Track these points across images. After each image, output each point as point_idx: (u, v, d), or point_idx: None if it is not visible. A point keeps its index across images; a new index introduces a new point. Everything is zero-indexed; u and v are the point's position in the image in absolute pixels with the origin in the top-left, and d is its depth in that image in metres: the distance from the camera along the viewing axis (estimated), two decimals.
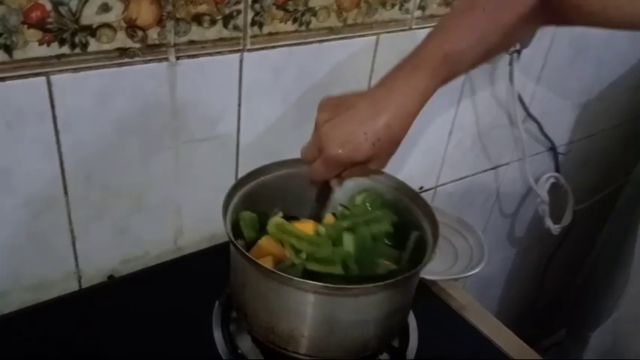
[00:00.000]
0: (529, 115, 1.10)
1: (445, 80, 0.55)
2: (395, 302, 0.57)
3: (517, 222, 1.37)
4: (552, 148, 1.25)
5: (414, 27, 0.82)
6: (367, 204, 0.65)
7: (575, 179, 1.34)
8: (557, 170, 1.31)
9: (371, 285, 0.53)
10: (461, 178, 1.11)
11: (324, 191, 0.63)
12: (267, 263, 0.58)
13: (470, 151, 1.08)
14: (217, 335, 0.65)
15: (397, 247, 0.65)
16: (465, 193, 1.15)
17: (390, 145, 0.55)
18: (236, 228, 0.61)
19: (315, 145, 0.56)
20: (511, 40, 0.59)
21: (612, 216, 1.63)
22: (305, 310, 0.54)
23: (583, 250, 1.62)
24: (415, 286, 0.61)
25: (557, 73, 1.11)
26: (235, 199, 0.61)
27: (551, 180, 1.29)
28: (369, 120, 0.54)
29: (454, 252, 0.91)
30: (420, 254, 0.62)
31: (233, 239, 0.55)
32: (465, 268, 0.88)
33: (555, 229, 1.34)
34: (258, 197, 0.64)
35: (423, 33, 0.82)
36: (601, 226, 1.64)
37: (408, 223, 0.65)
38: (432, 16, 0.83)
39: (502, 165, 1.18)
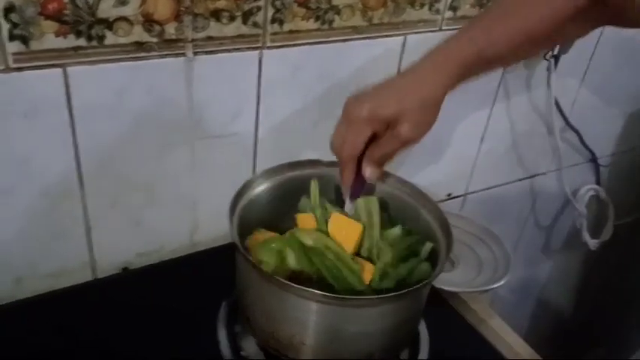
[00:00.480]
0: (568, 124, 1.05)
1: (478, 51, 0.54)
2: (401, 314, 0.55)
3: (553, 234, 1.32)
4: (593, 160, 1.19)
5: (444, 28, 0.79)
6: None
7: (617, 193, 1.28)
8: (597, 183, 1.25)
9: (375, 297, 0.51)
10: (493, 187, 1.07)
11: (356, 186, 0.60)
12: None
13: (503, 158, 1.04)
14: (222, 335, 0.64)
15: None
16: (497, 203, 1.11)
17: (418, 104, 0.52)
18: (244, 228, 0.59)
19: (340, 124, 0.56)
20: (557, 35, 0.56)
21: None
22: (306, 318, 0.52)
23: (623, 268, 1.54)
24: (424, 299, 0.58)
25: (601, 80, 1.05)
26: (244, 201, 0.60)
27: (591, 192, 1.23)
28: (392, 82, 0.55)
29: (478, 263, 0.87)
30: (433, 264, 0.60)
31: (238, 242, 0.54)
32: (488, 281, 0.85)
33: (593, 244, 1.27)
34: (271, 199, 0.63)
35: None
36: None
37: (422, 231, 0.62)
38: (463, 17, 0.79)
39: (538, 175, 1.13)
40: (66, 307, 0.67)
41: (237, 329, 0.65)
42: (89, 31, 0.57)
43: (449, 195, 1.01)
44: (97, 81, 0.60)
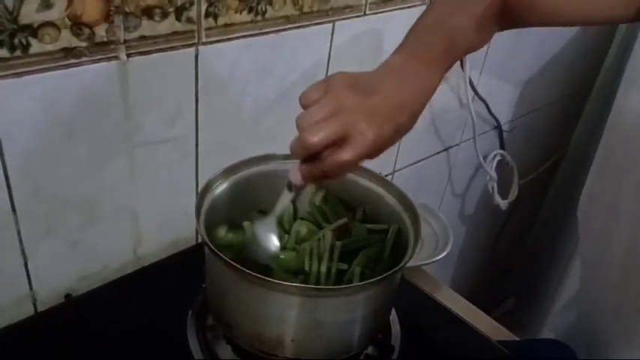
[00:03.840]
0: (477, 95, 1.12)
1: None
2: (380, 299, 0.56)
3: (467, 200, 1.40)
4: (497, 127, 1.28)
5: (368, 13, 0.80)
6: (324, 206, 0.64)
7: (518, 155, 1.38)
8: (502, 147, 1.34)
9: (362, 283, 0.51)
10: (416, 162, 1.12)
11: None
12: None
13: (424, 134, 1.08)
14: (194, 346, 0.61)
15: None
16: (420, 177, 1.15)
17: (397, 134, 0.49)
18: (209, 231, 0.57)
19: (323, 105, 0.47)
20: (476, 41, 0.55)
21: (552, 187, 1.71)
22: (294, 315, 0.51)
23: (529, 222, 1.68)
24: (398, 281, 0.59)
25: (502, 52, 1.12)
26: (207, 202, 0.58)
27: (498, 157, 1.32)
28: (381, 94, 0.48)
29: None
30: (399, 246, 0.61)
31: (211, 245, 0.51)
32: (431, 254, 0.89)
33: (504, 204, 1.37)
34: (231, 197, 0.61)
35: (376, 18, 0.82)
36: (544, 197, 1.70)
37: (384, 214, 0.63)
38: (385, 1, 0.81)
39: (453, 146, 1.20)
40: (9, 349, 0.61)
41: (208, 337, 0.63)
42: (11, 40, 0.51)
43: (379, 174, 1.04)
44: (24, 94, 0.54)
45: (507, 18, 0.56)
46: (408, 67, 0.50)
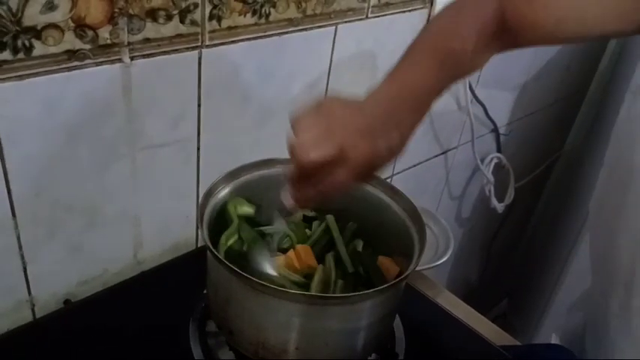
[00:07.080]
0: (475, 98, 1.12)
1: (449, 69, 0.52)
2: (386, 306, 0.56)
3: (464, 203, 1.40)
4: (494, 130, 1.28)
5: (370, 16, 0.80)
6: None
7: (515, 158, 1.39)
8: (498, 150, 1.34)
9: (367, 291, 0.51)
10: (414, 165, 1.12)
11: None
12: None
13: (423, 137, 1.08)
14: (197, 353, 0.60)
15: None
16: (418, 180, 1.15)
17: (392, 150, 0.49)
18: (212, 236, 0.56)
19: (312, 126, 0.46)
20: (472, 64, 0.54)
21: (546, 190, 1.71)
22: (299, 322, 0.51)
23: (524, 224, 1.68)
24: (403, 289, 0.59)
25: (501, 55, 1.12)
26: (209, 207, 0.57)
27: (495, 160, 1.33)
28: (369, 113, 0.48)
29: None
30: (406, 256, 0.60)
31: (215, 252, 0.51)
32: (432, 258, 0.88)
33: (500, 207, 1.38)
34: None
35: (379, 22, 0.82)
36: (537, 200, 1.71)
37: (388, 221, 0.63)
38: (387, 4, 0.81)
39: (451, 149, 1.20)
40: (7, 357, 0.60)
41: (210, 344, 0.62)
42: (15, 42, 0.50)
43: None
44: (26, 97, 0.53)
45: (506, 39, 0.54)
46: (399, 94, 0.50)
